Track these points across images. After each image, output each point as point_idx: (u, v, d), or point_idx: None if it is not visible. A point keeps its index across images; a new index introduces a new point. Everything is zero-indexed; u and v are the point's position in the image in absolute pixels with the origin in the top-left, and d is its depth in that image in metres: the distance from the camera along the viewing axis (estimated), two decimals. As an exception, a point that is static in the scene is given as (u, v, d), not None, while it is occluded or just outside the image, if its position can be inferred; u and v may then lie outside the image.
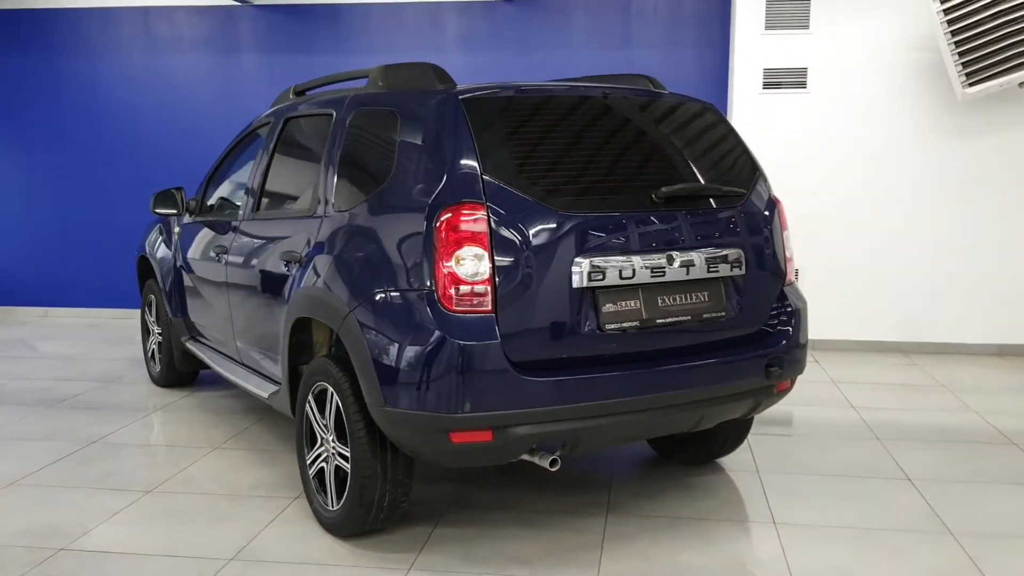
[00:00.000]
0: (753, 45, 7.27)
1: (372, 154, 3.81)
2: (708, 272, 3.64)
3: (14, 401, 5.93)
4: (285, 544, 3.70)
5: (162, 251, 6.00)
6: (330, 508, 3.75)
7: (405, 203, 3.46)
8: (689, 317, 3.62)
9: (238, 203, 5.02)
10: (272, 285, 4.29)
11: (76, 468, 4.61)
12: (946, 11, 6.49)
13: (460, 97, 3.52)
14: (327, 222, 3.88)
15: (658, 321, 3.54)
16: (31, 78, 8.98)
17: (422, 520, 3.92)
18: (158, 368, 6.23)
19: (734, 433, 4.48)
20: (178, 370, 6.06)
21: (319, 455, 3.84)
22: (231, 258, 4.80)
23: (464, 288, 3.24)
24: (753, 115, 7.32)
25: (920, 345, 7.40)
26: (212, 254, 5.07)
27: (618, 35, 8.12)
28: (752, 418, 4.45)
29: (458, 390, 3.22)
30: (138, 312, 7.18)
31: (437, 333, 3.23)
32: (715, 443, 4.51)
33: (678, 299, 3.60)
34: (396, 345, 3.30)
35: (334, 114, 4.14)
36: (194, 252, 5.43)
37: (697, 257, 3.60)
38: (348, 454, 3.58)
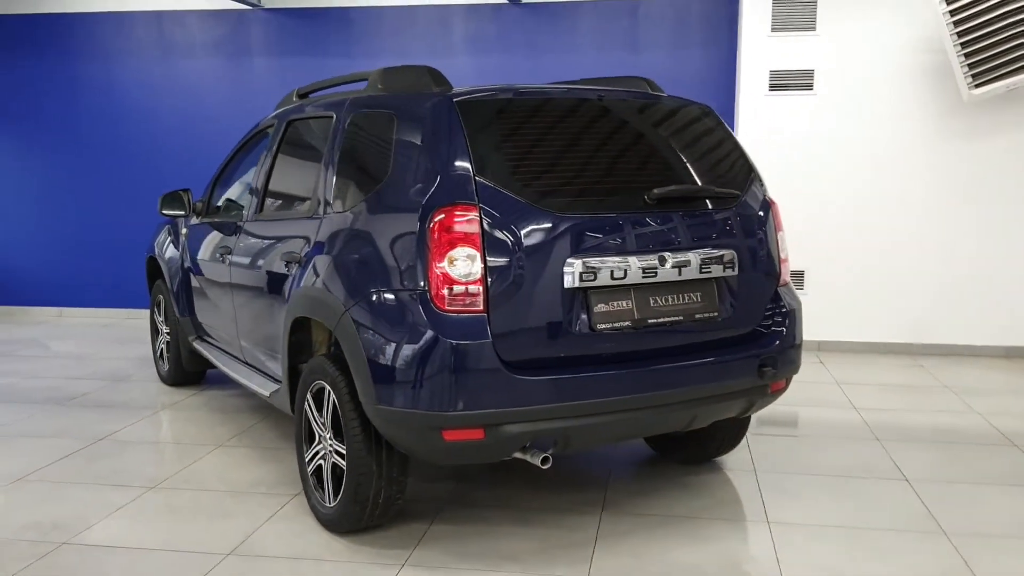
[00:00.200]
0: (759, 47, 7.28)
1: (370, 155, 3.87)
2: (700, 273, 3.67)
3: (25, 399, 6.02)
4: (283, 540, 3.76)
5: (170, 252, 6.09)
6: (327, 505, 3.80)
7: (400, 204, 3.51)
8: (681, 317, 3.65)
9: (243, 204, 5.09)
10: (273, 285, 4.35)
11: (82, 464, 4.69)
12: (952, 12, 6.49)
13: (455, 99, 3.56)
14: (326, 223, 3.93)
15: (650, 321, 3.57)
16: (47, 82, 9.11)
17: (419, 517, 3.97)
18: (166, 367, 6.32)
19: (731, 432, 4.50)
20: (186, 369, 6.14)
21: (317, 452, 3.89)
22: (235, 259, 4.87)
23: (456, 288, 3.29)
24: (760, 117, 7.34)
25: (927, 347, 7.38)
26: (217, 255, 5.15)
27: (626, 38, 8.15)
28: (749, 418, 4.48)
29: (450, 389, 3.27)
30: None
31: (430, 332, 3.28)
32: (712, 442, 4.53)
33: (670, 299, 3.63)
34: (389, 344, 3.35)
35: (334, 116, 4.20)
36: (200, 253, 5.51)
37: (689, 258, 3.63)
38: (345, 451, 3.63)
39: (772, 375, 3.86)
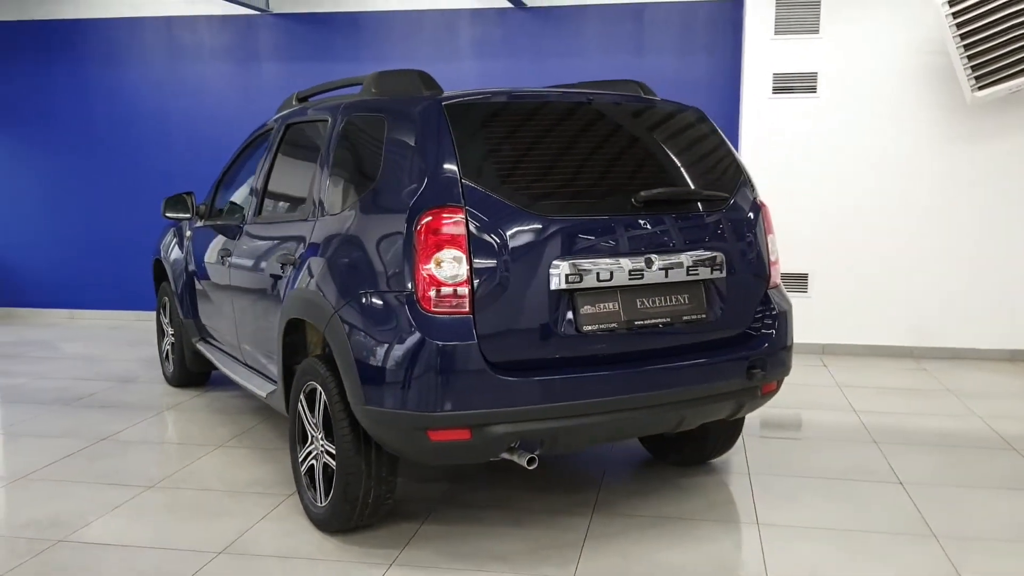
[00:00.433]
0: (763, 50, 7.29)
1: (362, 158, 3.91)
2: (688, 275, 3.69)
3: (33, 400, 6.11)
4: (275, 539, 3.80)
5: (174, 254, 6.16)
6: (319, 504, 3.84)
7: (388, 206, 3.55)
8: (669, 319, 3.67)
9: (244, 207, 5.15)
10: (269, 287, 4.41)
11: (84, 464, 4.76)
12: (955, 14, 6.48)
13: (443, 103, 3.60)
14: (319, 225, 3.98)
15: (637, 323, 3.60)
16: (60, 86, 9.24)
17: (410, 517, 4.00)
18: (171, 368, 6.39)
19: (725, 434, 4.51)
20: (190, 370, 6.21)
21: (310, 453, 3.94)
22: (234, 261, 4.93)
23: (442, 290, 3.32)
24: (763, 120, 7.34)
25: (931, 350, 7.36)
26: (218, 257, 5.21)
27: (631, 42, 8.17)
28: (743, 420, 4.49)
29: (436, 389, 3.30)
30: (158, 314, 7.37)
31: (416, 334, 3.31)
32: (707, 444, 4.55)
33: (658, 301, 3.65)
34: (376, 345, 3.39)
35: (329, 120, 4.25)
36: (203, 255, 5.58)
37: (676, 260, 3.65)
38: (335, 451, 3.68)
39: (762, 377, 3.88)
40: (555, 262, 3.43)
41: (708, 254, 3.75)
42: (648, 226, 3.65)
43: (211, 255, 5.39)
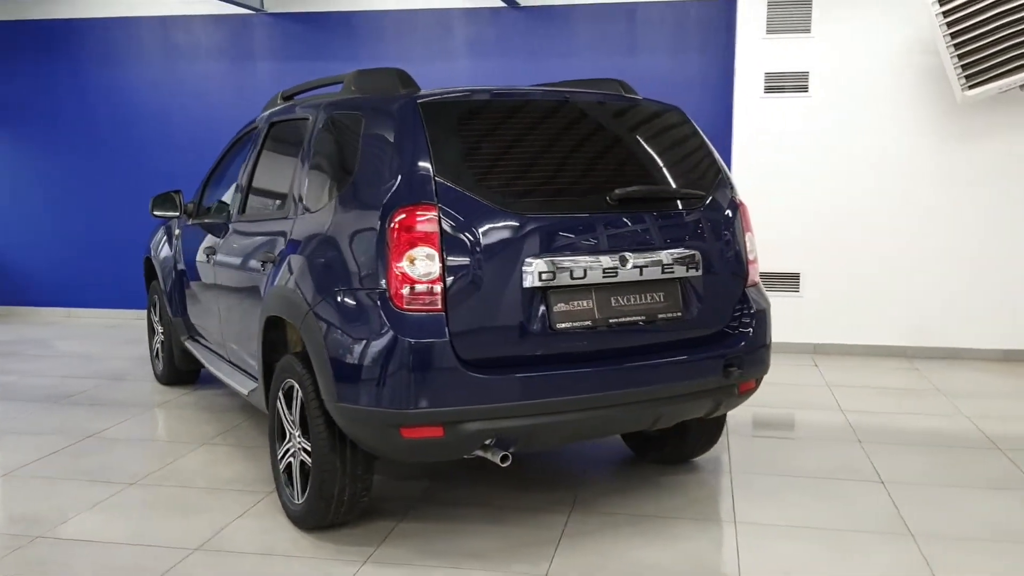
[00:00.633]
0: (754, 49, 7.28)
1: (339, 156, 3.92)
2: (663, 273, 3.69)
3: (24, 397, 6.14)
4: (251, 536, 3.82)
5: (164, 252, 6.18)
6: (296, 502, 3.85)
7: (363, 204, 3.56)
8: (644, 317, 3.67)
9: (229, 205, 5.16)
10: (251, 285, 4.42)
11: (69, 460, 4.78)
12: (945, 14, 6.46)
13: (418, 101, 3.61)
14: (298, 223, 3.99)
15: (611, 321, 3.60)
16: (57, 86, 9.27)
17: (388, 515, 4.01)
18: (161, 367, 6.41)
19: (706, 433, 4.51)
20: (178, 369, 6.23)
21: (288, 450, 3.95)
22: (219, 259, 4.95)
23: (414, 287, 3.33)
24: (755, 119, 7.34)
25: (925, 350, 7.34)
26: (204, 255, 5.23)
27: (624, 41, 8.16)
28: (724, 418, 4.49)
29: (408, 387, 3.31)
30: (153, 313, 7.39)
31: (388, 331, 3.32)
32: (688, 443, 4.54)
33: (632, 299, 3.65)
34: (349, 342, 3.40)
35: (310, 118, 4.26)
36: (190, 254, 5.59)
37: (651, 258, 3.65)
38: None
39: (739, 375, 3.88)
40: (528, 260, 3.44)
41: (684, 252, 3.75)
42: (623, 224, 3.65)
43: (198, 253, 5.40)
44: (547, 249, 3.47)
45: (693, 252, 3.78)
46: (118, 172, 9.26)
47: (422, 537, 3.79)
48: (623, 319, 3.63)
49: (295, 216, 4.05)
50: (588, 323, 3.55)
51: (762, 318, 4.02)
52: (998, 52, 6.36)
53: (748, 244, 4.06)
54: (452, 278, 3.35)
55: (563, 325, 3.50)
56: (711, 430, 4.51)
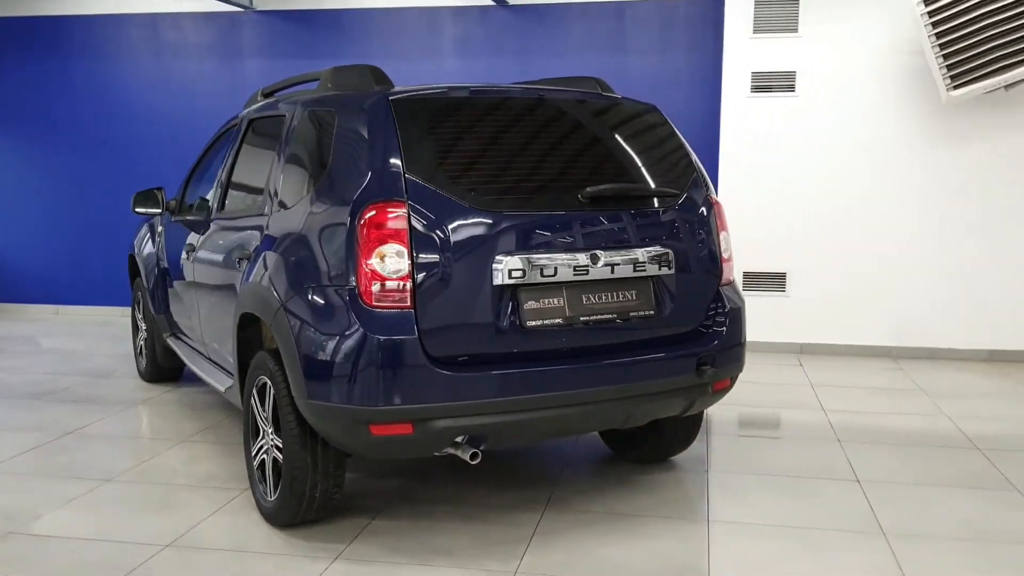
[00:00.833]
0: (742, 49, 7.28)
1: (313, 153, 3.92)
2: (635, 271, 3.69)
3: (6, 394, 6.13)
4: (223, 532, 3.81)
5: (147, 249, 6.18)
6: (268, 499, 3.85)
7: (334, 201, 3.56)
8: (616, 315, 3.67)
9: (209, 202, 5.16)
10: (228, 281, 4.42)
11: (46, 457, 4.78)
12: (931, 14, 6.46)
13: (390, 98, 3.61)
14: (273, 220, 3.99)
15: (583, 319, 3.60)
16: (45, 82, 9.26)
17: (362, 512, 4.01)
18: (144, 364, 6.41)
19: (683, 431, 4.51)
20: (161, 366, 6.23)
21: (261, 447, 3.95)
22: (198, 255, 4.95)
23: (384, 284, 3.33)
24: (742, 118, 7.33)
25: (910, 350, 7.34)
26: (184, 252, 5.23)
27: (613, 40, 8.16)
28: (701, 416, 4.49)
29: (377, 384, 3.31)
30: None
31: (357, 328, 3.32)
32: (664, 441, 4.54)
33: (604, 297, 3.65)
34: (319, 339, 3.40)
35: (286, 115, 4.26)
36: (171, 251, 5.60)
37: (623, 256, 3.65)
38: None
39: (712, 374, 3.87)
40: (499, 257, 3.44)
41: (656, 250, 3.75)
42: (595, 222, 3.65)
43: (178, 250, 5.40)
44: (518, 247, 3.47)
45: (666, 250, 3.77)
46: (108, 169, 9.25)
47: (394, 534, 3.79)
48: (595, 317, 3.63)
49: (271, 213, 4.05)
50: (559, 321, 3.55)
51: (736, 316, 4.02)
52: (983, 52, 6.36)
53: (723, 243, 4.06)
54: (422, 275, 3.35)
55: (534, 323, 3.50)
56: (688, 429, 4.51)
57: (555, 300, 3.55)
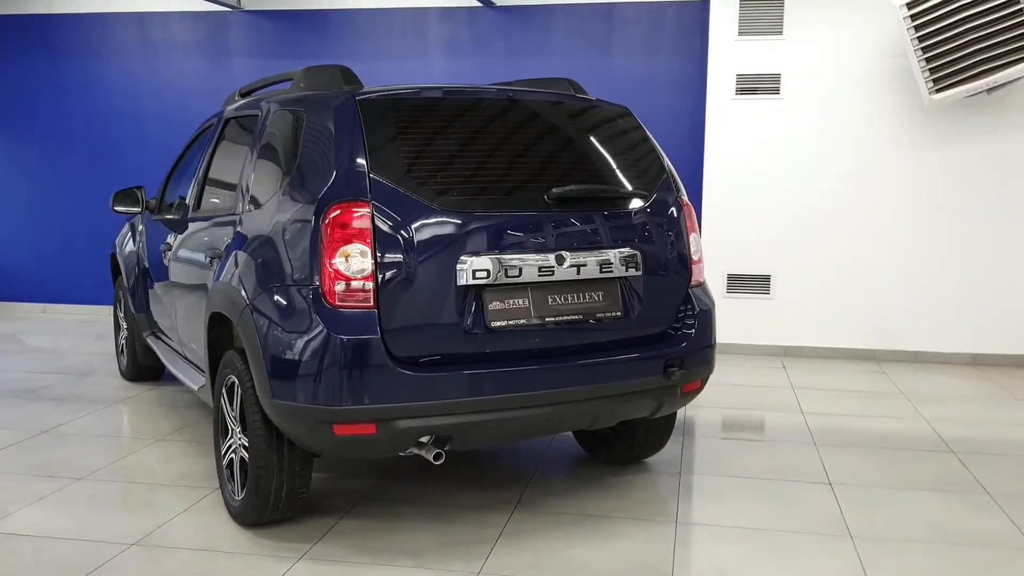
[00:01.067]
0: (727, 51, 7.28)
1: (282, 153, 3.91)
2: (602, 272, 3.69)
3: (-15, 392, 6.14)
4: (191, 531, 3.81)
5: (128, 248, 6.19)
6: (236, 498, 3.85)
7: (300, 200, 3.56)
8: (582, 316, 3.67)
9: (186, 201, 5.16)
10: (201, 281, 4.42)
11: (20, 455, 4.77)
12: (913, 17, 6.46)
13: (357, 98, 3.61)
14: (244, 219, 3.99)
15: (548, 319, 3.60)
16: (33, 81, 9.26)
17: (330, 512, 4.01)
18: (125, 362, 6.41)
19: (655, 433, 4.50)
20: (141, 365, 6.23)
21: (230, 446, 3.95)
22: (175, 254, 4.95)
23: (347, 284, 3.33)
24: (726, 121, 7.33)
25: (894, 353, 7.34)
26: (162, 251, 5.23)
27: (600, 41, 8.16)
28: (673, 418, 4.49)
29: (340, 383, 3.31)
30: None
31: (320, 327, 3.32)
32: (637, 443, 4.54)
33: (570, 298, 3.65)
34: (283, 338, 3.40)
35: (259, 114, 4.26)
36: (150, 250, 5.60)
37: (589, 258, 3.65)
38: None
39: (681, 376, 3.87)
40: (463, 258, 3.44)
41: (623, 252, 3.75)
42: (561, 223, 3.65)
43: (156, 249, 5.40)
44: (482, 247, 3.47)
45: (634, 252, 3.77)
46: (95, 167, 9.25)
47: (360, 534, 3.79)
48: (561, 318, 3.63)
49: (242, 212, 4.05)
50: (524, 322, 3.55)
51: (706, 318, 4.02)
52: (965, 56, 6.35)
53: (693, 244, 4.06)
54: (385, 275, 3.35)
55: (498, 323, 3.50)
56: (660, 430, 4.51)
57: (520, 301, 3.55)
